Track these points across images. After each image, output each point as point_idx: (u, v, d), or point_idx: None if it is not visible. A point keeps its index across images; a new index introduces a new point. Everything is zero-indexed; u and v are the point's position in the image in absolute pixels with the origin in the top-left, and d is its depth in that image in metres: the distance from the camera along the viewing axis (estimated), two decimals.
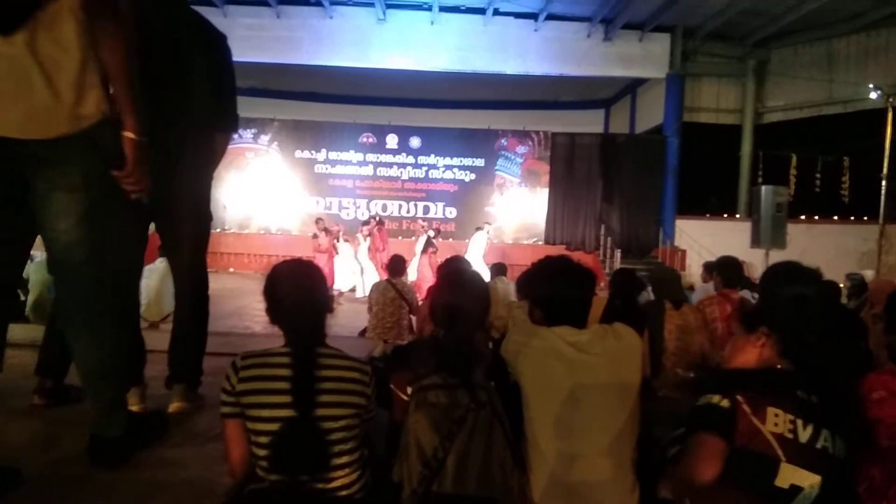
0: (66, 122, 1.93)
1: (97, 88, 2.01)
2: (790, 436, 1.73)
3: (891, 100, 14.27)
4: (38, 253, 6.85)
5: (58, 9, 1.90)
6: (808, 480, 1.71)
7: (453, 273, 2.50)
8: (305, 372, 1.72)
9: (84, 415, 2.87)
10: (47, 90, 1.90)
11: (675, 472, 1.86)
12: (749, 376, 1.88)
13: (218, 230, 15.96)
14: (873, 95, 14.51)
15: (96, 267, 2.20)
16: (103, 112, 2.03)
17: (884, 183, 14.53)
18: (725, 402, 1.77)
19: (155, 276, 6.76)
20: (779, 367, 1.93)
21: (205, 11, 3.10)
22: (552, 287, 2.09)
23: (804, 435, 1.74)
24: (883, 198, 14.65)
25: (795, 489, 1.71)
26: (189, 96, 2.90)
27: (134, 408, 2.90)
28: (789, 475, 1.71)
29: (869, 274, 10.89)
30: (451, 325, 1.94)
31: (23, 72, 1.87)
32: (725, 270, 4.91)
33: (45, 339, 3.04)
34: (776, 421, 1.73)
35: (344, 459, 1.75)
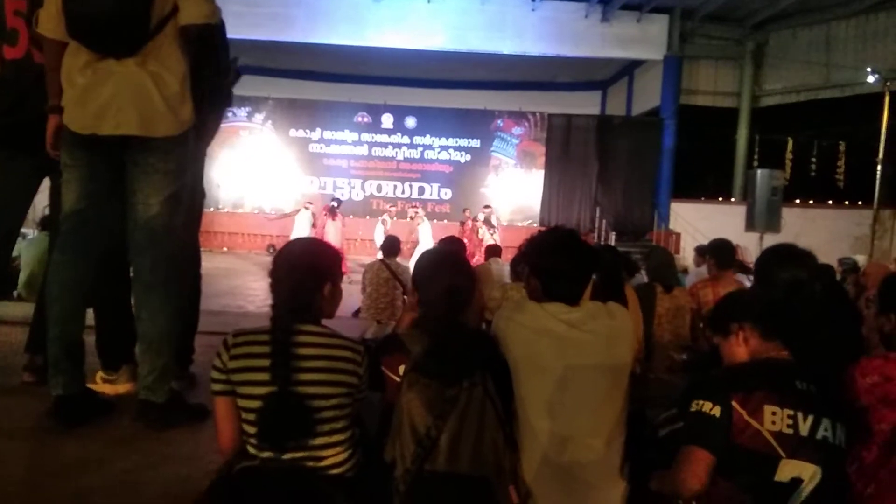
0: (171, 126, 2.49)
1: (190, 102, 2.55)
2: (790, 431, 1.73)
3: (888, 84, 14.23)
4: (31, 231, 6.82)
5: (162, 39, 2.43)
6: (809, 471, 1.72)
7: (440, 253, 2.49)
8: (281, 348, 1.72)
9: None
10: (158, 100, 2.43)
11: (663, 480, 1.87)
12: (742, 374, 1.87)
13: (211, 209, 15.89)
14: (871, 79, 14.46)
15: (172, 239, 2.59)
16: (192, 120, 2.58)
17: (879, 168, 14.54)
18: (716, 410, 1.76)
19: None
20: (773, 354, 1.92)
21: None
22: (555, 258, 2.07)
23: (804, 428, 1.74)
24: (878, 183, 14.67)
25: (796, 481, 1.72)
26: None
27: (126, 386, 2.90)
28: (790, 469, 1.72)
29: (861, 259, 10.94)
30: (441, 305, 1.94)
31: (137, 85, 2.41)
32: (718, 253, 4.89)
33: (35, 316, 3.03)
34: (774, 419, 1.73)
35: (335, 438, 1.75)
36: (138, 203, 2.52)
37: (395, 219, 14.70)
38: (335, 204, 13.54)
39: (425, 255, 2.26)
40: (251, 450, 1.74)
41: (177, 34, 2.48)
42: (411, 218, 14.80)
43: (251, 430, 1.71)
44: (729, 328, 2.00)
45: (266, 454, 1.71)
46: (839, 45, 16.22)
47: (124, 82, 2.40)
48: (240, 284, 10.27)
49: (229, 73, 3.10)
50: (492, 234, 12.93)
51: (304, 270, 1.84)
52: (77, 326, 2.60)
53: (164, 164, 2.51)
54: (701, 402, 1.79)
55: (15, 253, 5.98)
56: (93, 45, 2.38)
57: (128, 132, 2.43)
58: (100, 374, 2.93)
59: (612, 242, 15.81)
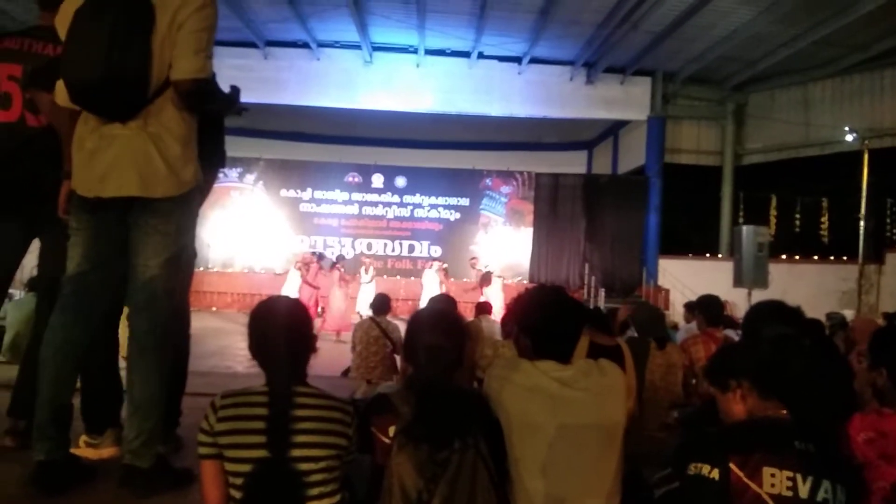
0: (172, 187, 2.47)
1: (194, 163, 2.56)
2: (789, 493, 1.69)
3: (866, 142, 14.60)
4: (17, 292, 6.76)
5: (163, 101, 2.44)
6: None
7: (426, 312, 2.48)
8: (281, 412, 1.69)
9: None
10: (159, 161, 2.44)
11: None
12: (740, 434, 1.83)
13: (201, 269, 15.84)
14: (849, 138, 14.84)
15: (169, 301, 2.57)
16: (198, 180, 2.59)
17: (862, 223, 14.77)
18: (715, 474, 1.72)
19: None
20: (771, 413, 1.88)
21: None
22: (543, 315, 2.07)
23: (804, 490, 1.70)
24: (861, 238, 14.87)
25: None
26: None
27: (110, 450, 2.83)
28: None
29: (849, 313, 10.98)
30: (426, 365, 1.92)
31: (137, 148, 2.42)
32: (707, 309, 4.99)
33: (18, 379, 2.97)
34: (773, 481, 1.70)
35: (324, 502, 1.71)
36: (139, 265, 2.51)
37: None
38: (324, 257, 13.79)
39: (413, 315, 2.25)
40: None
41: (177, 97, 2.48)
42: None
43: (239, 495, 1.67)
44: (727, 384, 1.98)
45: None
46: (817, 106, 16.69)
47: (126, 145, 2.42)
48: (228, 345, 10.15)
49: (227, 112, 3.10)
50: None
51: (299, 331, 1.83)
52: (68, 390, 2.56)
53: (165, 225, 2.51)
54: (699, 464, 1.75)
55: (0, 314, 5.92)
56: (92, 109, 2.42)
57: (129, 193, 2.44)
58: (83, 438, 2.86)
59: (602, 298, 15.84)
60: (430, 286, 13.88)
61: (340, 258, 14.35)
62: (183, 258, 2.67)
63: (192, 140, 2.55)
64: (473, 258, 16.04)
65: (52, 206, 2.92)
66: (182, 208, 2.55)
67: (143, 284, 2.52)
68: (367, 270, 14.52)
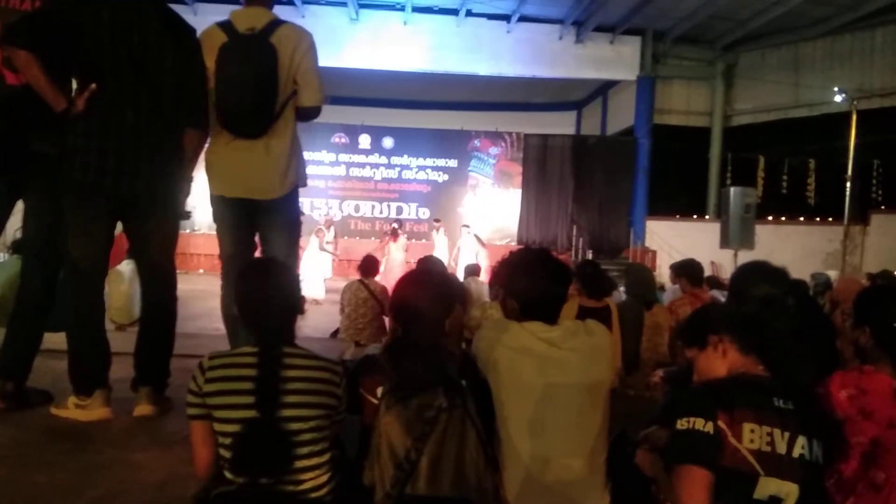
0: (280, 190, 3.15)
1: (294, 167, 3.20)
2: (767, 448, 1.72)
3: (855, 103, 14.60)
4: (2, 254, 6.67)
5: (281, 120, 3.08)
6: (787, 489, 1.71)
7: (413, 272, 2.48)
8: (270, 372, 1.70)
9: (46, 418, 2.82)
10: (272, 172, 3.10)
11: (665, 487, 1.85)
12: (724, 390, 1.82)
13: (188, 231, 15.72)
14: (838, 99, 14.83)
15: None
16: (294, 182, 3.22)
17: (848, 185, 14.85)
18: (709, 427, 1.72)
19: (124, 279, 6.62)
20: (750, 370, 1.90)
21: (175, 8, 3.03)
22: (529, 278, 2.07)
23: (782, 445, 1.73)
24: (847, 199, 14.98)
25: (775, 499, 1.71)
26: (158, 92, 2.85)
27: (99, 412, 2.83)
28: (768, 487, 1.70)
29: (833, 274, 11.11)
30: (412, 325, 1.93)
31: (260, 160, 3.07)
32: (690, 272, 5.32)
33: (5, 341, 2.96)
34: (752, 437, 1.72)
35: (314, 461, 1.72)
36: (270, 244, 3.22)
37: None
38: (396, 226, 13.54)
39: (401, 276, 2.25)
40: (228, 475, 1.70)
41: (293, 113, 3.14)
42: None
43: (228, 454, 1.68)
44: (707, 340, 1.97)
45: (242, 479, 1.68)
46: (807, 66, 16.63)
47: (251, 158, 3.07)
48: (215, 306, 10.05)
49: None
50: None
51: (289, 292, 1.83)
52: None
53: (280, 217, 3.20)
54: (692, 419, 1.75)
55: None
56: (237, 132, 3.03)
57: (253, 196, 3.11)
58: (72, 400, 2.86)
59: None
60: (466, 250, 13.59)
61: (399, 222, 14.05)
62: (297, 238, 3.31)
63: (293, 145, 3.19)
64: (437, 220, 15.55)
65: (35, 166, 2.87)
66: (289, 203, 3.24)
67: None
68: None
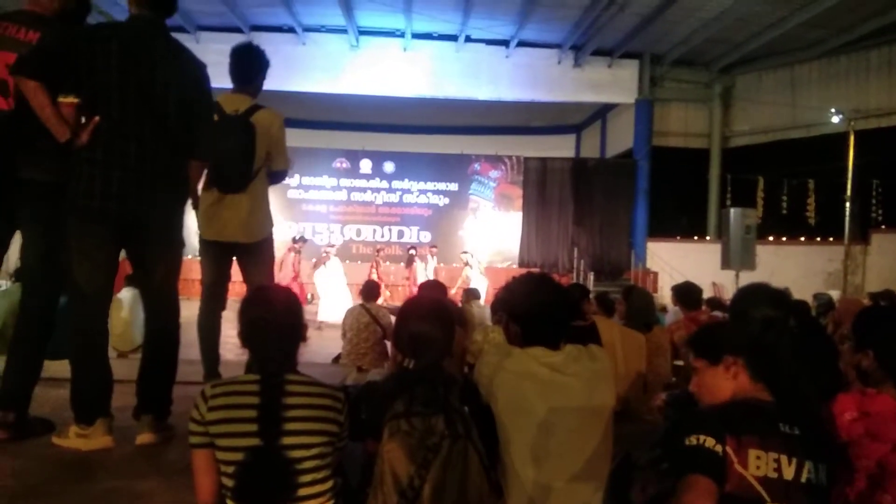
0: (259, 234, 3.87)
1: (269, 218, 3.97)
2: (774, 475, 1.70)
3: (852, 124, 14.68)
4: (2, 282, 6.68)
5: (257, 180, 3.79)
6: None
7: (415, 300, 2.49)
8: (272, 400, 1.70)
9: (48, 447, 2.80)
10: (253, 221, 3.81)
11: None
12: (732, 416, 1.80)
13: (190, 256, 15.73)
14: (835, 119, 14.92)
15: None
16: (269, 230, 3.97)
17: (848, 204, 14.88)
18: (719, 448, 1.70)
19: (123, 307, 6.63)
20: (756, 396, 1.88)
21: (177, 37, 3.08)
22: (532, 303, 2.08)
23: (789, 472, 1.71)
24: (847, 219, 14.99)
25: None
26: (164, 123, 2.88)
27: (100, 441, 2.81)
28: None
29: (835, 294, 11.09)
30: (416, 353, 1.93)
31: (242, 209, 3.75)
32: (684, 296, 5.37)
33: (5, 370, 2.95)
34: (758, 464, 1.70)
35: (316, 489, 1.71)
36: (251, 277, 3.88)
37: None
38: (413, 252, 14.11)
39: (404, 303, 2.26)
40: (230, 503, 1.70)
41: (265, 175, 3.84)
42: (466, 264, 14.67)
43: (231, 483, 1.68)
44: (721, 358, 1.94)
45: None
46: (803, 87, 16.74)
47: (237, 209, 3.74)
48: None
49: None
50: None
51: (291, 320, 1.83)
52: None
53: (258, 256, 3.90)
54: (701, 437, 1.72)
55: None
56: (224, 188, 3.70)
57: (235, 240, 3.80)
58: (73, 429, 2.84)
59: (591, 282, 15.91)
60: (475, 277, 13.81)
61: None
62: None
63: (268, 203, 3.96)
64: (434, 246, 15.86)
65: (26, 193, 2.89)
66: (263, 245, 3.92)
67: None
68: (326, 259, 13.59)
